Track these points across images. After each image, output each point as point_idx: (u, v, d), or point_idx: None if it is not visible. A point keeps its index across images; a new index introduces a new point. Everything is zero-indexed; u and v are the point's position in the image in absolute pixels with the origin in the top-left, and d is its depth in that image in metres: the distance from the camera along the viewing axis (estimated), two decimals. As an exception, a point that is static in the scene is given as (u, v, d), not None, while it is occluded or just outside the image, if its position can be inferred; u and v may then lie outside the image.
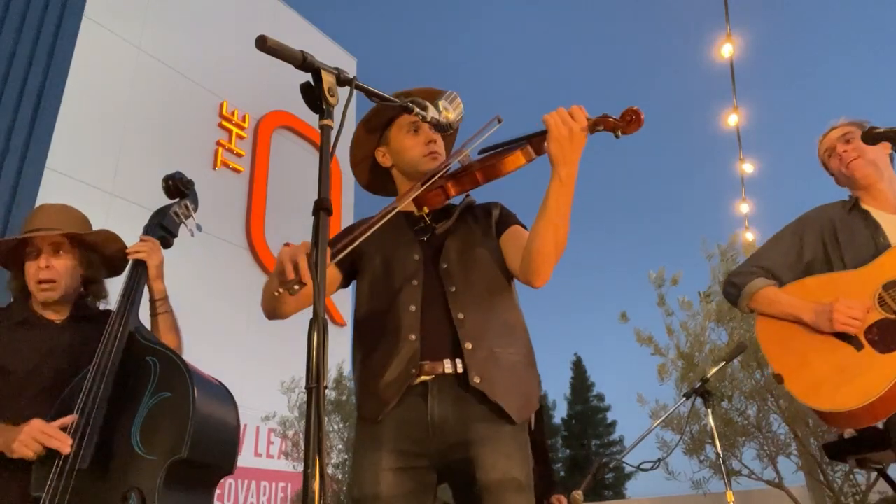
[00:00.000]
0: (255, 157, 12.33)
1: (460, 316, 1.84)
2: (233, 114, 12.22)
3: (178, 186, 2.50)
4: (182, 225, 2.48)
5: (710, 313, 5.66)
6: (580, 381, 37.06)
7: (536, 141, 1.81)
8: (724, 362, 3.49)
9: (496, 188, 2.04)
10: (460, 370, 1.80)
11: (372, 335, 1.94)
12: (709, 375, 3.63)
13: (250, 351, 10.09)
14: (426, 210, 1.99)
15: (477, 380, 1.77)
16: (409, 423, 1.79)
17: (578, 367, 37.51)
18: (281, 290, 1.56)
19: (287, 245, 1.69)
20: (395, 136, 2.12)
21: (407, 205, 1.98)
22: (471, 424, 1.76)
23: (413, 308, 1.87)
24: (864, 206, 2.45)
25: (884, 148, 2.47)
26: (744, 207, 8.82)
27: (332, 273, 2.04)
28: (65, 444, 1.87)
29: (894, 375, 2.10)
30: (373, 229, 1.85)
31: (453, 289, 1.88)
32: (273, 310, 1.95)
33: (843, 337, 2.24)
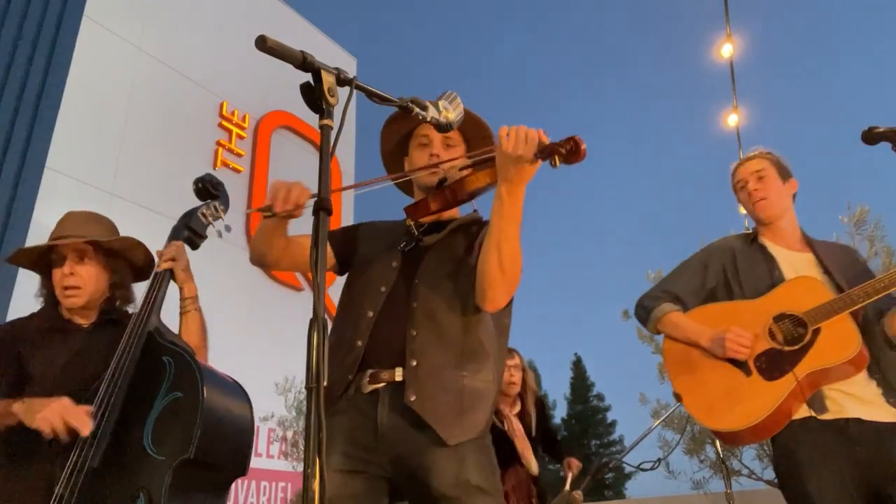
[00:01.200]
0: (255, 157, 12.35)
1: (413, 332, 1.83)
2: (233, 114, 12.24)
3: (207, 188, 2.53)
4: (210, 226, 2.50)
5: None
6: (580, 381, 37.02)
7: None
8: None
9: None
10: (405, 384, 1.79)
11: (335, 330, 1.96)
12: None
13: (249, 351, 10.10)
14: (409, 222, 2.02)
15: (412, 398, 1.75)
16: (359, 429, 1.78)
17: (578, 367, 37.49)
18: (273, 213, 1.58)
19: (276, 181, 1.75)
20: (411, 147, 2.15)
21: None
22: (419, 433, 1.75)
23: (370, 314, 1.88)
24: (763, 241, 2.62)
25: (789, 187, 2.63)
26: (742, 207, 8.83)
27: (327, 252, 2.07)
28: (85, 427, 1.90)
29: (776, 401, 2.27)
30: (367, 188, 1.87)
31: (415, 304, 1.87)
32: (261, 253, 1.98)
33: (735, 363, 2.40)
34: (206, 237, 2.49)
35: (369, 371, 1.82)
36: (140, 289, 2.41)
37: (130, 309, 2.44)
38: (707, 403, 2.42)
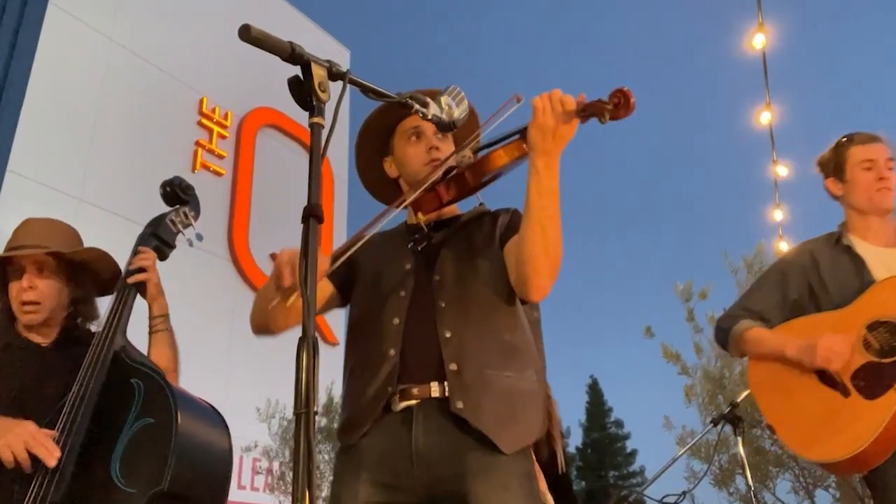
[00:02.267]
0: (238, 159, 12.37)
1: (447, 334, 1.82)
2: (214, 111, 12.26)
3: (176, 192, 2.53)
4: (180, 234, 2.50)
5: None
6: (596, 406, 36.92)
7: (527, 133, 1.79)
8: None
9: (512, 194, 2.05)
10: (447, 394, 1.77)
11: (355, 350, 1.95)
12: (739, 400, 3.62)
13: (232, 374, 10.09)
14: (421, 217, 2.00)
15: (459, 405, 1.74)
16: (390, 453, 1.77)
17: (595, 391, 37.38)
18: (277, 300, 1.57)
19: (283, 251, 1.71)
20: (397, 144, 2.13)
21: (410, 214, 2.02)
22: (460, 455, 1.74)
23: (396, 321, 1.87)
24: (850, 240, 2.54)
25: None
26: (777, 214, 8.80)
27: (326, 288, 2.05)
28: (51, 457, 1.88)
29: (880, 423, 2.18)
30: (367, 236, 1.86)
31: (443, 304, 1.87)
32: (264, 323, 1.96)
33: (830, 384, 2.33)
34: (175, 247, 2.49)
35: (400, 387, 1.80)
36: (105, 303, 2.40)
37: (94, 327, 2.43)
38: (802, 432, 2.36)
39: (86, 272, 2.39)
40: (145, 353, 2.28)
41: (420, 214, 1.99)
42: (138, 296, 2.31)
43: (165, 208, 2.53)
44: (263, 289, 1.92)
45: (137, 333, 2.28)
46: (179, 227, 2.50)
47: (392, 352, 1.83)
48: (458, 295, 1.89)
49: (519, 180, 1.81)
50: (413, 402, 1.79)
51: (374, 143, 2.17)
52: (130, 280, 2.30)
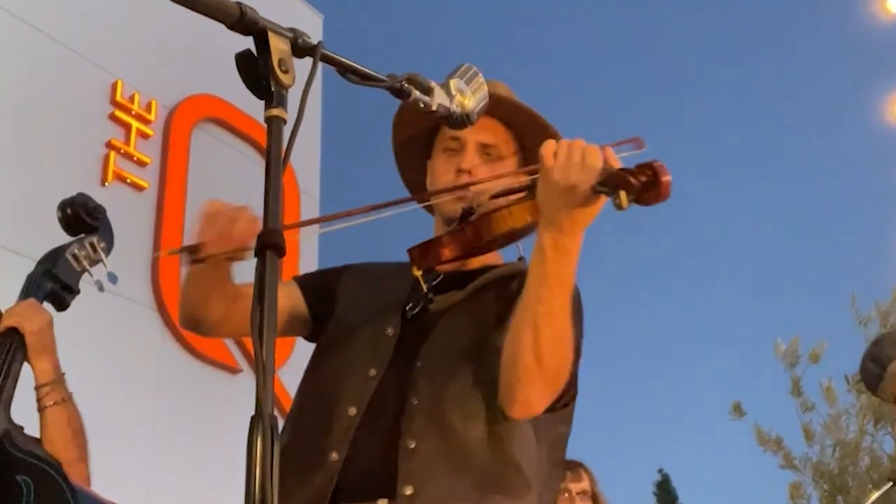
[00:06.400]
0: (166, 168, 12.36)
1: (411, 445, 1.82)
2: (132, 99, 12.27)
3: (79, 216, 2.52)
4: (85, 274, 2.49)
5: (867, 408, 5.62)
6: (667, 512, 36.79)
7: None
8: (890, 484, 3.46)
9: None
10: None
11: (293, 429, 1.97)
12: (868, 503, 3.61)
13: (158, 463, 10.05)
14: (416, 272, 1.99)
15: None
16: None
17: (664, 489, 37.18)
18: (203, 256, 1.60)
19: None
20: (436, 149, 2.16)
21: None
22: None
23: (353, 412, 1.89)
24: None
25: None
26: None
27: (297, 303, 2.09)
28: None
29: None
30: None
31: (415, 401, 1.87)
32: (196, 312, 2.00)
33: None
34: (78, 291, 2.49)
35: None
36: None
37: None
38: None
39: None
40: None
41: (415, 269, 1.99)
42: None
43: (66, 238, 2.53)
44: (192, 268, 1.95)
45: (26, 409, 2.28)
46: (84, 263, 2.49)
47: (334, 455, 1.84)
48: (439, 394, 1.88)
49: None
50: None
51: (417, 136, 2.20)
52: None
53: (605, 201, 1.67)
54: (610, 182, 1.63)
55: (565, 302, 1.74)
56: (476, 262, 2.08)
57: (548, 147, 1.70)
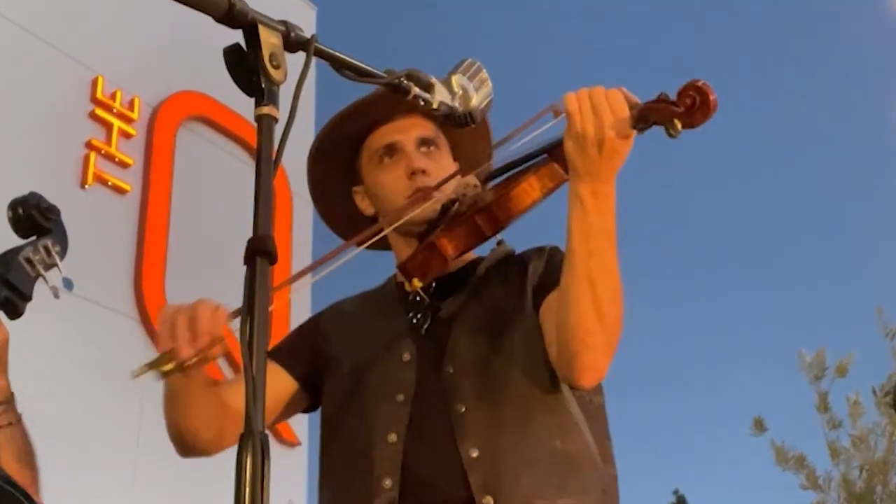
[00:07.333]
0: (149, 169, 12.35)
1: (473, 453, 1.84)
2: (114, 96, 12.27)
3: (32, 217, 2.53)
4: (40, 279, 2.50)
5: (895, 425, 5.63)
6: (685, 536, 36.71)
7: (561, 151, 1.79)
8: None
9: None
10: None
11: (332, 467, 1.99)
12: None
13: (141, 488, 10.05)
14: (417, 284, 1.97)
15: None
16: None
17: (682, 513, 37.19)
18: (175, 366, 1.61)
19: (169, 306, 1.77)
20: (366, 169, 2.16)
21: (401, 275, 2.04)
22: None
23: (393, 438, 1.89)
24: None
25: None
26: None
27: (287, 385, 2.08)
28: None
29: None
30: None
31: (462, 408, 1.89)
32: (182, 435, 1.97)
33: None
34: (30, 298, 2.49)
35: None
36: None
37: None
38: None
39: None
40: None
41: (416, 281, 1.97)
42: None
43: (16, 241, 2.54)
44: (167, 383, 1.91)
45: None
46: (39, 268, 2.49)
47: (388, 482, 1.85)
48: (484, 391, 1.90)
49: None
50: None
51: (338, 164, 2.20)
52: None
53: (632, 142, 1.71)
54: (651, 117, 1.68)
55: (614, 251, 1.76)
56: (457, 263, 2.06)
57: (569, 102, 1.71)
